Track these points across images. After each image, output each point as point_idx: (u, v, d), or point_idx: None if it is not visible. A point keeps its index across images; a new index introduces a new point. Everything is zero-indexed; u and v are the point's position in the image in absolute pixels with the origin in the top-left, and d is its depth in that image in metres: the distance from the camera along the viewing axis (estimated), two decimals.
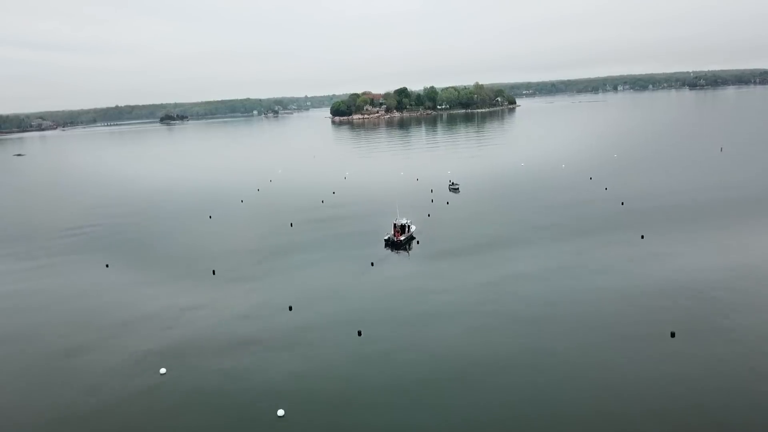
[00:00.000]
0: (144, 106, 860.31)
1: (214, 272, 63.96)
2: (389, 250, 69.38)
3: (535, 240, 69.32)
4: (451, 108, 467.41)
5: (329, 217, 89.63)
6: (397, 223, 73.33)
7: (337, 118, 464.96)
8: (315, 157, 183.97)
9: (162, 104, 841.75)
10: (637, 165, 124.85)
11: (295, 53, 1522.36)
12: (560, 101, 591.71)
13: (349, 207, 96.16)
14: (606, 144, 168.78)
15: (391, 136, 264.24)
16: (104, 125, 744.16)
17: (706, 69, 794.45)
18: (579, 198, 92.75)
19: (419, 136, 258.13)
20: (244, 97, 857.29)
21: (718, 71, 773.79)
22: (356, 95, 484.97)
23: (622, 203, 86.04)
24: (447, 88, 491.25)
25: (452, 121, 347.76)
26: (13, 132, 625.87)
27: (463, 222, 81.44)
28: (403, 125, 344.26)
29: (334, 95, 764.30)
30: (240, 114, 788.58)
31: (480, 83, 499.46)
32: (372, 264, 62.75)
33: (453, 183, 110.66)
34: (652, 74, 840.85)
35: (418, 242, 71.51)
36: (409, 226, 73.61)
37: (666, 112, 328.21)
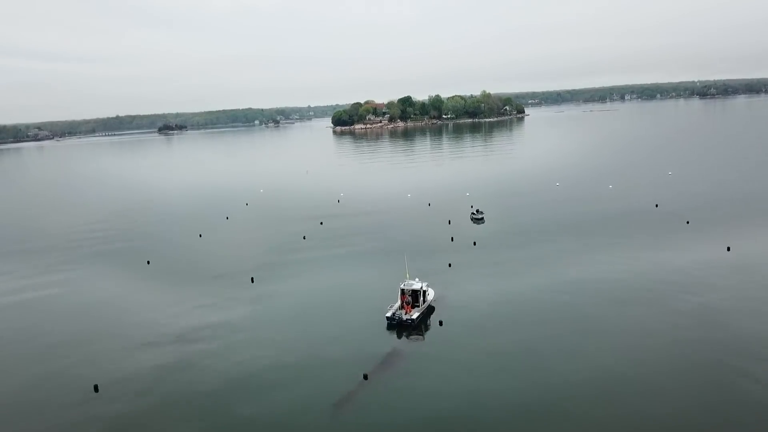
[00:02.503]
0: (145, 116, 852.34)
1: (96, 388, 38.41)
2: (395, 336, 43.87)
3: (618, 314, 43.71)
4: (457, 117, 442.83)
5: (307, 272, 63.90)
6: (406, 287, 47.81)
7: (338, 128, 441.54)
8: (308, 173, 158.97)
9: (163, 114, 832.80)
10: (705, 186, 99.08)
11: (298, 63, 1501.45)
12: (569, 110, 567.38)
13: (338, 251, 70.25)
14: (648, 158, 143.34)
15: (395, 148, 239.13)
16: (102, 135, 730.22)
17: (712, 78, 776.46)
18: (653, 233, 67.04)
19: (426, 147, 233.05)
20: (246, 107, 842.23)
21: (725, 80, 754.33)
22: (359, 104, 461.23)
23: (729, 249, 60.07)
24: (453, 97, 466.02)
25: (459, 131, 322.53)
26: (9, 142, 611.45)
27: (499, 275, 55.87)
28: (407, 135, 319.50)
29: (337, 105, 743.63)
30: (241, 124, 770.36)
31: (487, 91, 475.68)
32: (365, 377, 36.99)
33: (476, 212, 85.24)
34: (658, 83, 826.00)
35: (441, 323, 45.45)
36: (424, 292, 48.14)
37: (694, 120, 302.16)
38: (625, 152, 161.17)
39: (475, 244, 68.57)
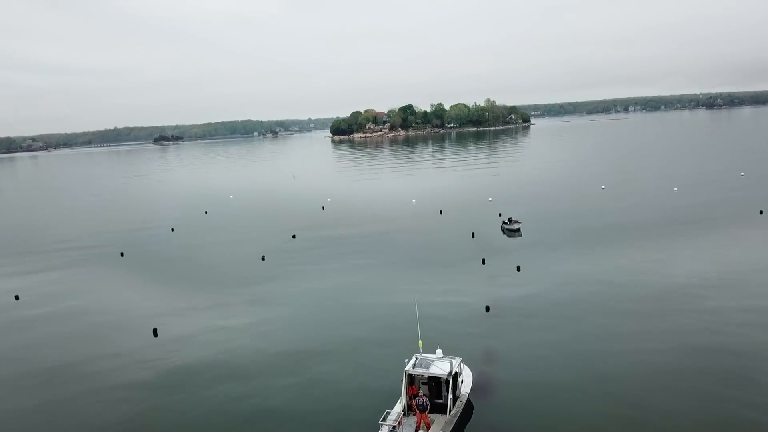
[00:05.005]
0: (143, 128, 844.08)
1: None
2: None
3: None
4: (460, 126, 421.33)
5: (252, 322, 40.08)
6: (417, 371, 23.27)
7: (337, 137, 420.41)
8: (294, 177, 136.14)
9: (161, 126, 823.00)
10: None
11: (298, 75, 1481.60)
12: (575, 120, 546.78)
13: (304, 295, 46.40)
14: (701, 161, 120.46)
15: (395, 154, 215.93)
16: (96, 146, 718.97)
17: (714, 91, 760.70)
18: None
19: (429, 154, 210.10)
20: (245, 119, 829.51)
21: (729, 92, 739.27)
22: (358, 113, 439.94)
23: None
24: (456, 105, 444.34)
25: (463, 139, 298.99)
26: (2, 152, 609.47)
27: (573, 320, 31.95)
28: (408, 143, 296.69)
29: (338, 117, 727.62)
30: (240, 135, 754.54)
31: (491, 99, 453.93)
32: None
33: (509, 221, 61.43)
34: (660, 96, 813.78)
35: None
36: (456, 377, 23.69)
37: (718, 127, 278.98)
38: (665, 157, 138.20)
39: (519, 269, 44.48)
